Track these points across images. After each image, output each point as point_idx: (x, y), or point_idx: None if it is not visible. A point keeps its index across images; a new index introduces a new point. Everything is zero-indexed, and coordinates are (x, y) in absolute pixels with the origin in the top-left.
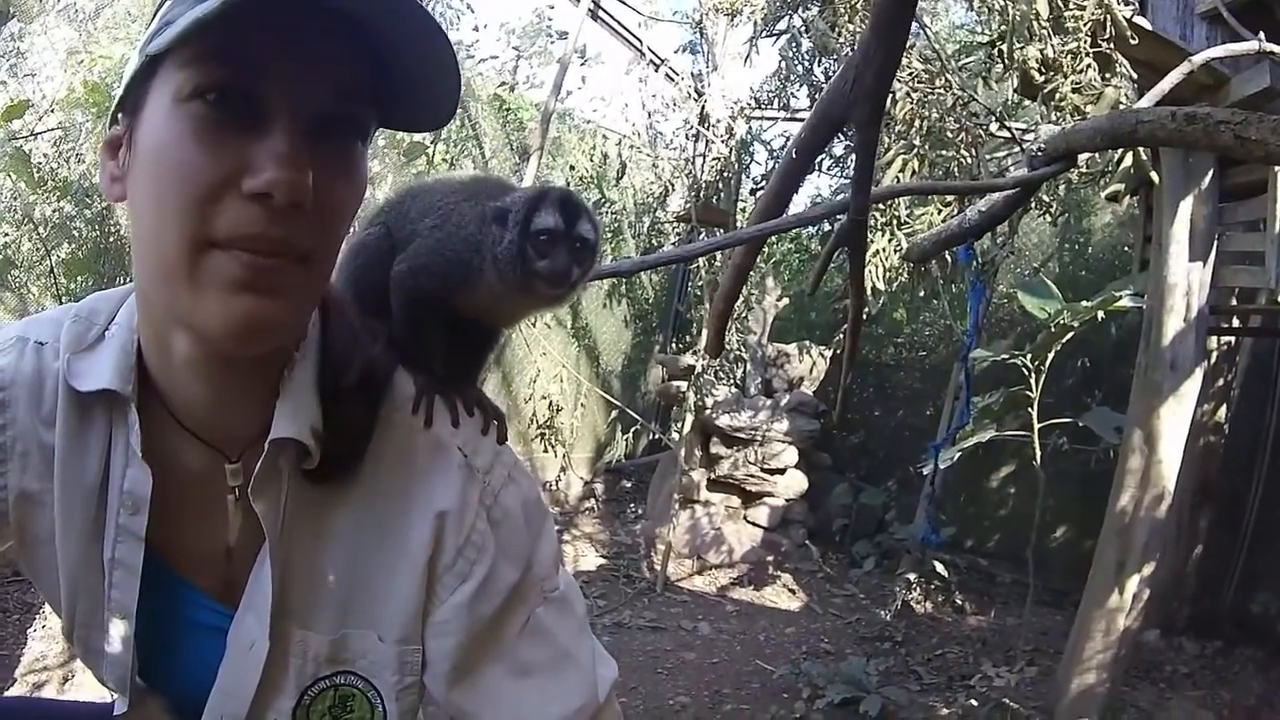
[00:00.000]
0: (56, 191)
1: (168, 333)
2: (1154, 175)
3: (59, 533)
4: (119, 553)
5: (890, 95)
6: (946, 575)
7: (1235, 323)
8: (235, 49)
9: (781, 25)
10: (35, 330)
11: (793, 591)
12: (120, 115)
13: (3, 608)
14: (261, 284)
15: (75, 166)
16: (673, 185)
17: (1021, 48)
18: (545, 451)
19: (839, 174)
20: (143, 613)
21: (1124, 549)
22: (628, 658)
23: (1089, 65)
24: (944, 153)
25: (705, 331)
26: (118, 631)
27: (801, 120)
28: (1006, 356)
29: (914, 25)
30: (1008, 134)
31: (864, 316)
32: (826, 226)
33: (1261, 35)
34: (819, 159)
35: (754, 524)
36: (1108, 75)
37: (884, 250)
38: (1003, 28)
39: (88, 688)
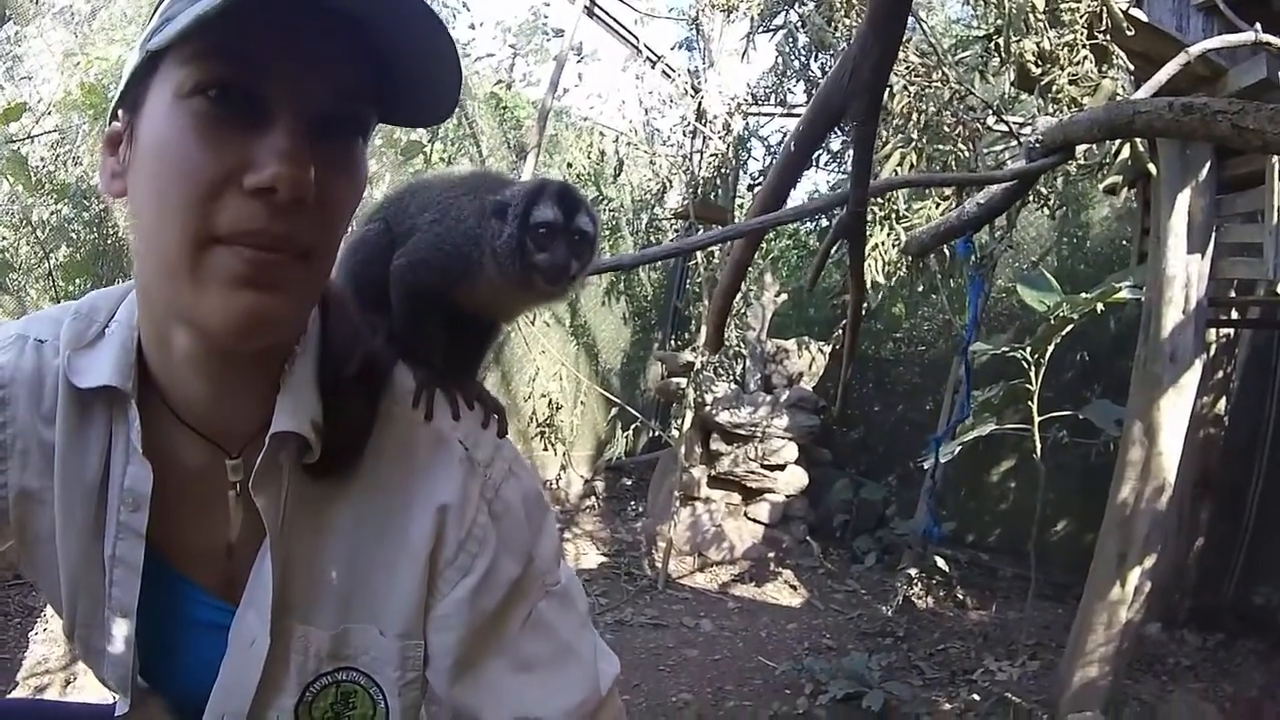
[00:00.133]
0: (54, 194)
1: (168, 328)
2: (1151, 167)
3: (59, 531)
4: (120, 550)
5: (888, 89)
6: (948, 570)
7: (1234, 314)
8: (237, 46)
9: (778, 20)
10: (35, 328)
11: (794, 587)
12: (120, 111)
13: (4, 611)
14: (263, 279)
15: (73, 169)
16: (670, 182)
17: (1018, 41)
18: (545, 450)
19: (836, 170)
20: (143, 611)
21: (1125, 542)
22: (630, 655)
23: (1085, 57)
24: (941, 146)
25: (704, 328)
26: (119, 630)
27: (798, 115)
28: (1006, 350)
29: (910, 19)
30: (1005, 127)
31: (863, 311)
32: (825, 222)
33: (1258, 26)
34: (816, 154)
35: (755, 520)
36: (1104, 67)
37: (883, 244)
38: (999, 21)
39: (89, 690)
